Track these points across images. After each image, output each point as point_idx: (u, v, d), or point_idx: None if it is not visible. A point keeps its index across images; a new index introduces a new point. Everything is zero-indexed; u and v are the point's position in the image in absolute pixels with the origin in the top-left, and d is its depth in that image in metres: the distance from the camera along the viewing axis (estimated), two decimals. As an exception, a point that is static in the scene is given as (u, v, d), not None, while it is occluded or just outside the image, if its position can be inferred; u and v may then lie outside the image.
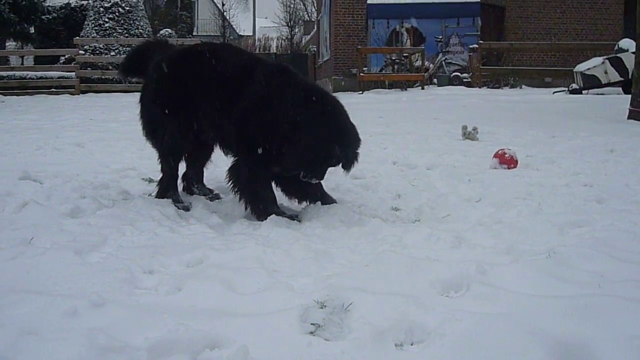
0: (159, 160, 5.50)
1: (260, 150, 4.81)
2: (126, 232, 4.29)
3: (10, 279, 3.24)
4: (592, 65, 19.94)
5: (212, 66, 5.15)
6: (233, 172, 5.04)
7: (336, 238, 4.20)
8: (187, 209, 5.20)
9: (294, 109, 4.76)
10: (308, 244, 3.98)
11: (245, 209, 4.96)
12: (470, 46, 24.68)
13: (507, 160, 6.80)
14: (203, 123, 5.21)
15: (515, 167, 6.77)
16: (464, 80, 23.95)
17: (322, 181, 5.01)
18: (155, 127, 5.44)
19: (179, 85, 5.22)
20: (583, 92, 19.75)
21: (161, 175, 5.51)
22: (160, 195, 5.41)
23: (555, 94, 19.84)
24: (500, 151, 6.94)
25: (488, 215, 4.78)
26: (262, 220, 4.71)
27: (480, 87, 22.70)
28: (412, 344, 2.64)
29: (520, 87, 23.21)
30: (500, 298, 2.96)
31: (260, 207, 4.91)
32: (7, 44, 34.09)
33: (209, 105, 5.12)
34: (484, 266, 3.35)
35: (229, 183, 5.04)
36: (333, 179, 6.09)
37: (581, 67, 20.34)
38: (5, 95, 20.96)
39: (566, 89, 20.42)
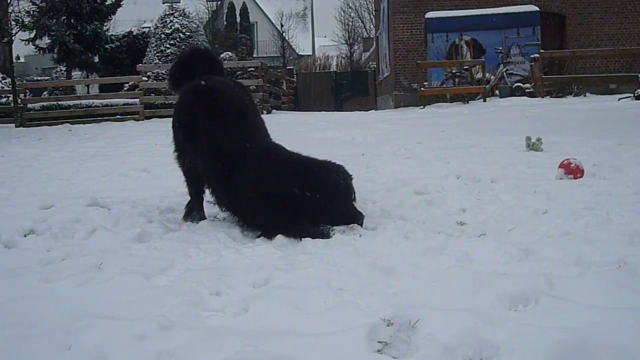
0: (184, 182, 5.76)
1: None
2: (193, 255, 4.35)
3: (81, 304, 3.30)
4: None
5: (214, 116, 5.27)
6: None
7: (401, 255, 4.17)
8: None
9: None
10: (373, 262, 3.95)
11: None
12: (532, 56, 24.37)
13: (573, 170, 6.68)
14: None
15: (581, 176, 6.65)
16: (526, 90, 23.66)
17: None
18: (178, 150, 5.66)
19: (192, 116, 5.36)
20: (650, 97, 19.35)
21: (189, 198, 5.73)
22: (185, 216, 5.60)
23: (621, 100, 19.44)
24: (565, 161, 6.82)
25: (555, 226, 4.68)
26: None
27: (543, 97, 22.33)
28: (481, 360, 2.61)
29: (585, 95, 22.75)
30: (570, 311, 2.90)
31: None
32: (72, 73, 34.88)
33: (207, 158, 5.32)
34: (552, 279, 3.29)
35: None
36: (397, 195, 6.07)
37: (647, 71, 19.97)
38: (73, 124, 21.35)
39: (632, 95, 19.97)
